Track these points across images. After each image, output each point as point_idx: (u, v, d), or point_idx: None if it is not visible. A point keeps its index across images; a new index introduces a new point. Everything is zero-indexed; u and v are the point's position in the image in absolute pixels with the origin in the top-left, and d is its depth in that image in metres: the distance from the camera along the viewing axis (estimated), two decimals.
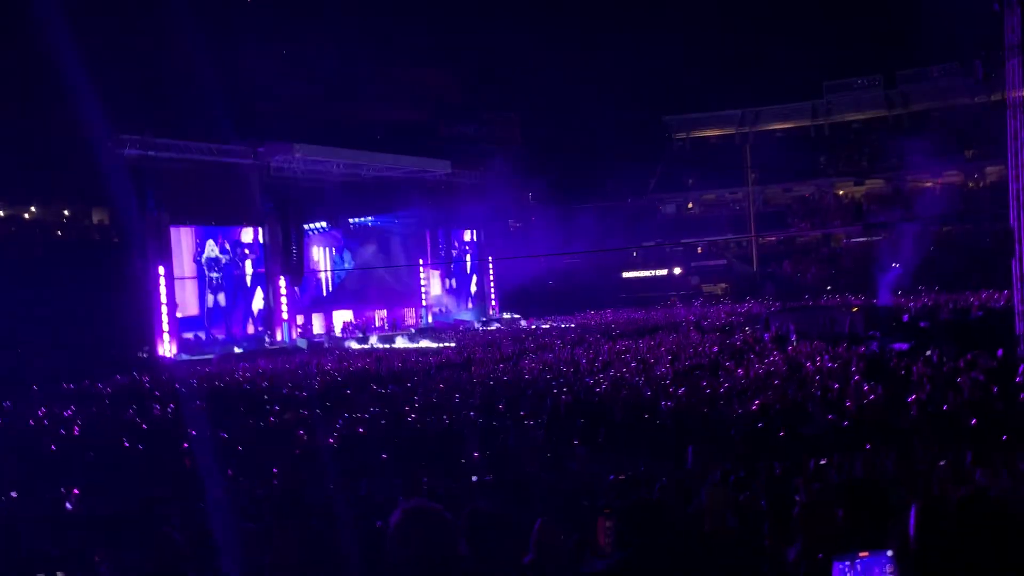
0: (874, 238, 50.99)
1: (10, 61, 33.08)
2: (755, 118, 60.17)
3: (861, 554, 2.69)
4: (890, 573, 2.71)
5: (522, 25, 58.72)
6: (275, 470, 9.54)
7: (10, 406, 19.60)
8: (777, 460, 8.29)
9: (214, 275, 35.00)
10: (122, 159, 31.12)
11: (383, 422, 13.80)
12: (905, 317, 28.41)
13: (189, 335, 33.81)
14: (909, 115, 56.42)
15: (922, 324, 25.94)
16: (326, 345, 36.82)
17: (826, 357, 18.38)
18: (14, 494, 9.03)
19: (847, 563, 2.69)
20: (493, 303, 49.87)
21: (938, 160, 50.18)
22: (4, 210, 36.72)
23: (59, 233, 38.56)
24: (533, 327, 40.43)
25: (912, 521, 3.13)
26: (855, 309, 34.33)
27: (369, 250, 45.52)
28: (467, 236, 49.30)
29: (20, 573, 4.96)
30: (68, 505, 8.37)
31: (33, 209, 37.95)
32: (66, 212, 39.17)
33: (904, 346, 20.17)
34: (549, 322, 42.03)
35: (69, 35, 30.10)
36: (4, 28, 33.20)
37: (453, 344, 34.01)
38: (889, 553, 2.72)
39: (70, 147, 31.89)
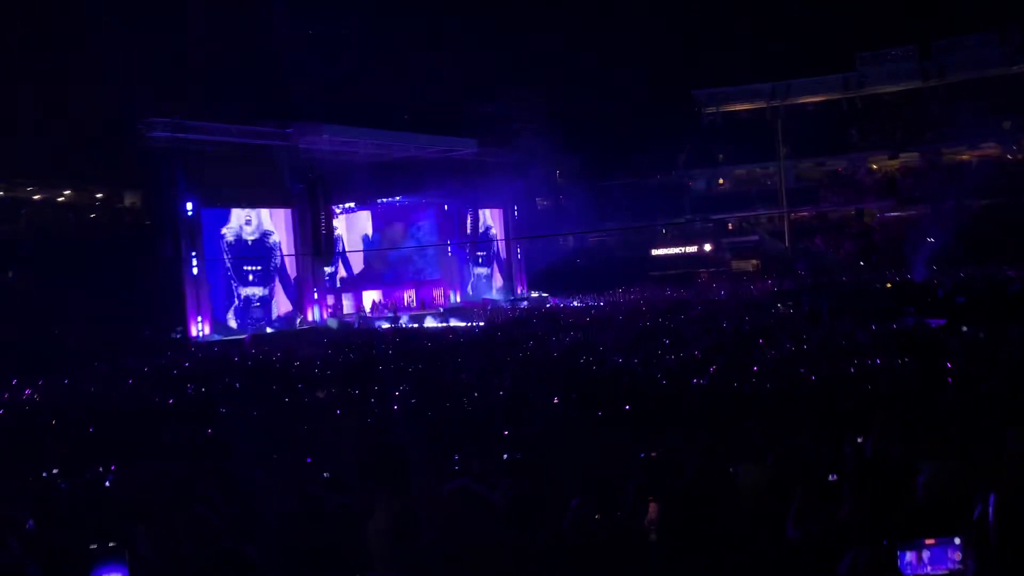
0: (909, 212, 50.15)
1: (43, 44, 33.43)
2: (786, 91, 59.19)
3: (927, 541, 2.55)
4: (959, 561, 2.56)
5: (553, 6, 58.25)
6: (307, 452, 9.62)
7: (42, 384, 19.95)
8: (811, 437, 8.18)
9: (246, 257, 35.26)
10: (153, 142, 31.38)
11: (413, 400, 13.85)
12: (940, 292, 27.97)
13: (230, 317, 34.14)
14: (945, 86, 55.19)
15: (958, 299, 25.52)
16: (356, 325, 37.05)
17: (859, 333, 18.14)
18: (55, 471, 9.18)
19: (913, 552, 2.55)
20: (521, 282, 49.81)
21: (975, 132, 49.16)
22: (38, 193, 37.26)
23: (92, 216, 39.11)
24: (562, 305, 40.35)
25: (991, 509, 2.93)
26: (889, 285, 33.90)
27: (397, 230, 45.65)
28: (495, 215, 49.21)
29: (67, 547, 5.03)
30: (107, 483, 8.49)
31: (67, 192, 38.47)
32: (99, 195, 39.68)
33: (940, 322, 19.86)
34: (578, 300, 41.92)
35: (101, 18, 30.36)
36: (38, 12, 33.54)
37: (482, 323, 34.06)
38: (957, 540, 2.57)
39: (102, 130, 32.28)
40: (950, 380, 11.18)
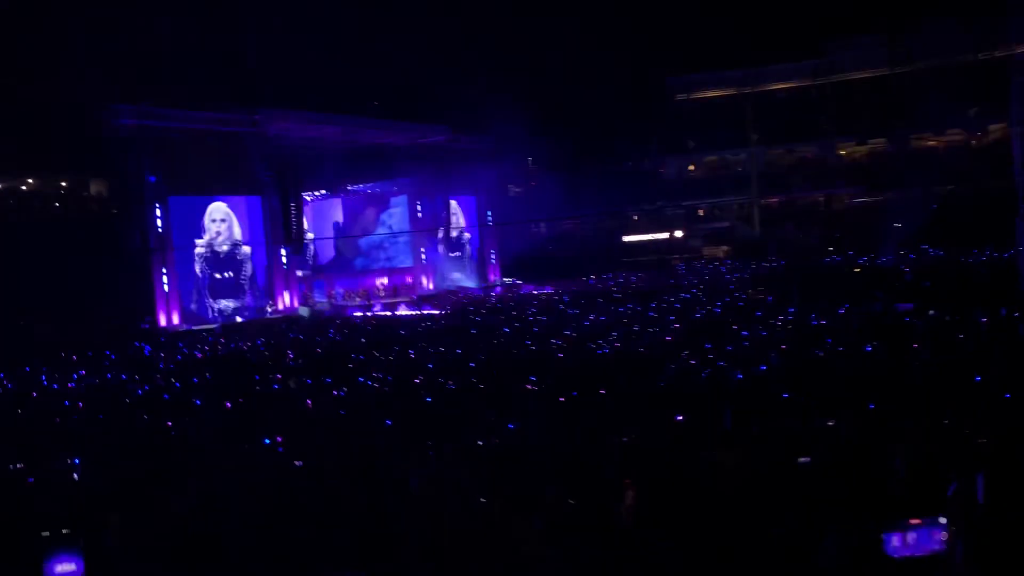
0: (877, 198, 50.68)
1: (5, 32, 32.68)
2: (757, 78, 59.44)
3: (912, 522, 2.52)
4: (945, 541, 2.53)
5: None
6: (279, 439, 9.52)
7: (7, 377, 19.61)
8: (783, 421, 8.24)
9: (215, 244, 34.86)
10: (118, 130, 30.82)
11: (387, 389, 13.78)
12: (908, 276, 28.35)
13: (194, 306, 33.79)
14: (912, 73, 55.72)
15: (925, 284, 25.87)
16: (327, 313, 36.80)
17: (829, 318, 18.32)
18: (20, 465, 9.02)
19: (899, 534, 2.50)
20: (494, 269, 49.77)
21: (942, 119, 49.72)
22: (2, 182, 36.54)
23: (57, 205, 38.44)
24: (534, 292, 40.36)
25: (980, 490, 2.92)
26: (858, 269, 34.30)
27: (368, 217, 45.33)
28: (466, 202, 49.05)
29: (31, 536, 4.93)
30: (75, 476, 8.36)
31: (31, 181, 37.76)
32: (64, 184, 38.99)
33: (908, 306, 20.10)
34: (550, 287, 41.95)
35: (65, 3, 29.76)
36: None
37: (454, 310, 33.97)
38: (943, 520, 2.54)
39: (66, 118, 31.65)
40: (916, 364, 11.34)
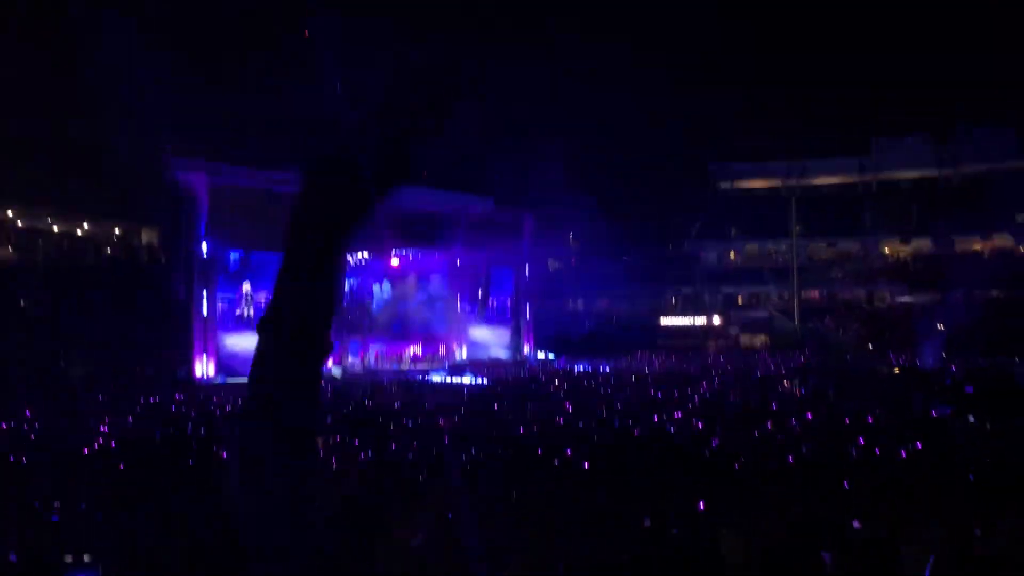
0: (919, 299, 50.09)
1: (74, 83, 34.28)
2: (802, 171, 59.78)
3: None
4: None
5: (573, 69, 59.38)
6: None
7: (41, 415, 19.91)
8: (809, 514, 8.09)
9: (258, 302, 35.47)
10: (176, 182, 31.85)
11: (410, 455, 13.76)
12: (948, 380, 27.77)
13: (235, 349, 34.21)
14: (959, 176, 55.66)
15: (967, 389, 25.30)
16: (360, 375, 36.98)
17: (865, 416, 17.98)
18: (37, 504, 9.13)
19: None
20: (529, 342, 49.77)
21: (988, 223, 49.40)
22: (59, 225, 37.77)
23: (108, 250, 39.57)
24: (568, 368, 40.22)
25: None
26: (897, 370, 33.70)
27: (408, 283, 45.85)
28: (505, 274, 49.42)
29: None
30: (98, 518, 8.45)
31: (87, 226, 38.99)
32: (117, 230, 40.19)
33: (947, 410, 19.66)
34: (583, 364, 41.79)
35: (131, 61, 31.17)
36: (69, 53, 34.47)
37: (486, 380, 33.94)
38: None
39: (126, 168, 32.88)
40: (952, 470, 11.06)
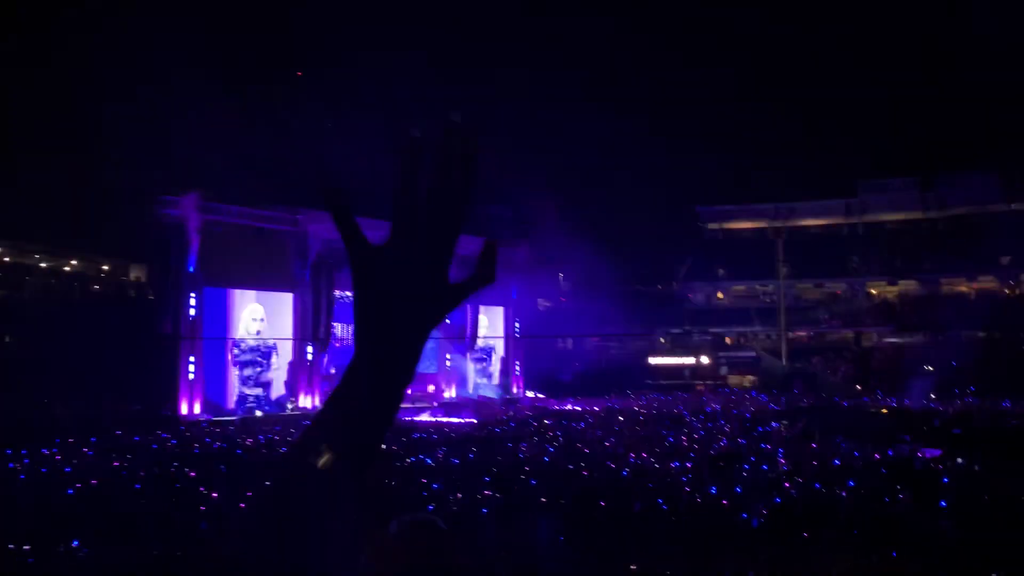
0: (907, 340, 50.31)
1: (67, 117, 34.38)
2: (789, 213, 60.33)
3: None
4: None
5: (558, 107, 60.07)
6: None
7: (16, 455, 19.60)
8: (797, 563, 8.04)
9: (248, 339, 35.36)
10: (165, 219, 31.82)
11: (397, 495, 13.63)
12: (937, 422, 27.80)
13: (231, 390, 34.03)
14: (945, 218, 56.26)
15: (955, 431, 25.32)
16: None
17: (854, 456, 17.96)
18: (27, 547, 8.99)
19: None
20: (518, 382, 49.60)
21: (973, 265, 49.86)
22: (47, 261, 37.60)
23: (96, 287, 39.37)
24: (557, 408, 40.04)
25: None
26: (885, 411, 33.73)
27: None
28: (494, 312, 49.39)
29: None
30: (79, 557, 8.32)
31: (74, 262, 38.83)
32: (105, 267, 40.03)
33: (936, 452, 19.65)
34: (571, 404, 41.62)
35: (118, 95, 31.33)
36: (65, 85, 34.63)
37: (475, 420, 33.72)
38: None
39: (116, 203, 32.85)
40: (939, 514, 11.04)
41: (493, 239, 1.61)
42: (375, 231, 2.03)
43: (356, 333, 1.57)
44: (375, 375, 1.55)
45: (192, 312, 32.55)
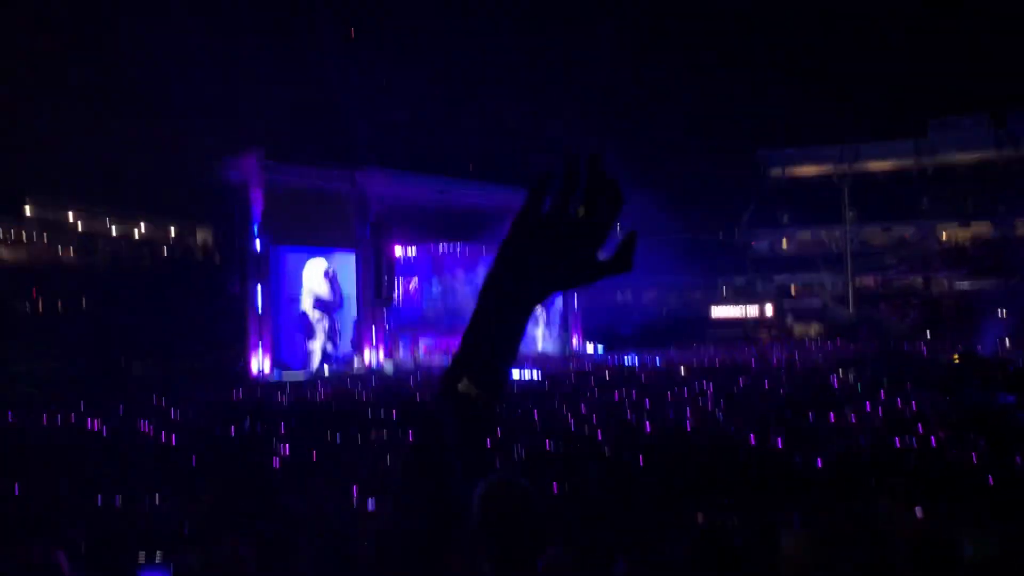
0: (979, 285, 48.75)
1: (129, 83, 35.10)
2: (855, 156, 58.53)
3: None
4: None
5: (619, 57, 59.00)
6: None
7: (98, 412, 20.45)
8: (865, 510, 7.96)
9: (316, 297, 36.01)
10: (230, 180, 32.42)
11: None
12: (1011, 368, 27.01)
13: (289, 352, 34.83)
14: (1019, 158, 53.95)
15: None
16: (411, 369, 37.32)
17: (925, 405, 17.60)
18: (112, 497, 9.41)
19: None
20: (577, 335, 49.65)
21: None
22: (117, 227, 38.77)
23: (165, 250, 40.52)
24: (617, 361, 40.05)
25: None
26: (956, 357, 32.88)
27: (457, 278, 46.11)
28: None
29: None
30: (161, 510, 8.69)
31: (144, 225, 39.96)
32: (173, 229, 41.12)
33: (1011, 398, 19.13)
34: (632, 356, 41.57)
35: (186, 61, 31.80)
36: (119, 53, 35.30)
37: (537, 374, 33.96)
38: None
39: (179, 167, 33.63)
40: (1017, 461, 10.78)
41: (634, 230, 1.67)
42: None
43: (491, 282, 1.66)
44: (504, 319, 1.65)
45: (258, 272, 33.28)
